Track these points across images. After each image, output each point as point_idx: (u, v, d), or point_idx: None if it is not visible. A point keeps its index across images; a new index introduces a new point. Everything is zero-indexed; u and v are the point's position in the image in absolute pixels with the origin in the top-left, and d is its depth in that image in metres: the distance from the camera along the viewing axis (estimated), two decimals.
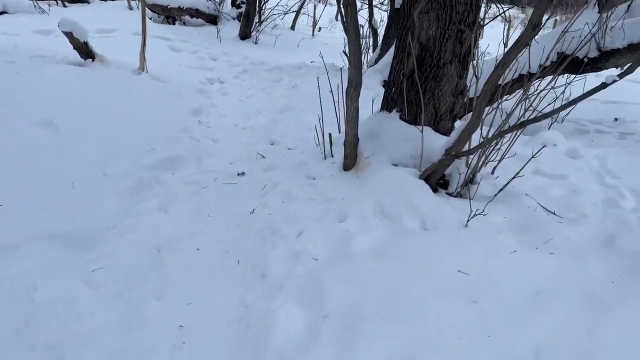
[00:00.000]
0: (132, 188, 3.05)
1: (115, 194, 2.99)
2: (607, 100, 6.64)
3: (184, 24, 12.55)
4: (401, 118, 3.25)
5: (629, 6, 5.12)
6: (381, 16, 7.03)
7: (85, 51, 5.24)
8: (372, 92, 5.63)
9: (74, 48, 5.20)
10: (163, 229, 2.74)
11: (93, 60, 5.26)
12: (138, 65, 5.57)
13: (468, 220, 2.61)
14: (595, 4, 5.20)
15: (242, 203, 3.15)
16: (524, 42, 2.49)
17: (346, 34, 2.95)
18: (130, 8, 8.71)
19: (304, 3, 13.82)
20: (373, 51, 6.85)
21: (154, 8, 11.89)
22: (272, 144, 4.44)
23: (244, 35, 11.10)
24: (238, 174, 3.72)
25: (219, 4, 13.76)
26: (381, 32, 7.39)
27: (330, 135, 3.57)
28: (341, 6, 2.96)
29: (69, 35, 5.07)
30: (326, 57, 10.38)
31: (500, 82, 4.36)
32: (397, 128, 3.18)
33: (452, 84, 3.13)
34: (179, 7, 12.09)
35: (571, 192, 3.51)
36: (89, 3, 9.10)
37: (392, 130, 3.19)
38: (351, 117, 3.09)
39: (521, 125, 2.55)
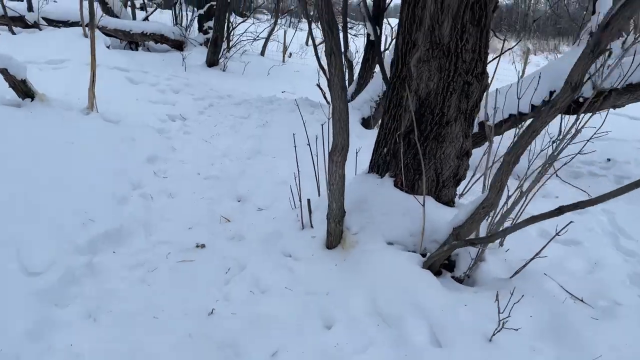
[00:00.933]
0: (51, 288, 2.30)
1: (28, 301, 2.22)
2: (595, 136, 6.21)
3: (148, 49, 11.81)
4: (396, 185, 2.63)
5: (623, 42, 4.69)
6: (356, 46, 6.50)
7: (23, 90, 4.47)
8: (351, 133, 5.04)
9: (10, 86, 4.43)
10: (86, 353, 2.00)
11: (32, 100, 4.49)
12: (87, 104, 4.83)
13: (493, 335, 1.98)
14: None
15: (200, 295, 2.45)
16: (560, 106, 1.92)
17: (329, 86, 2.32)
18: (86, 35, 7.93)
19: (273, 29, 13.27)
20: (348, 85, 6.26)
21: (116, 33, 11.11)
22: (239, 201, 3.75)
23: (212, 62, 10.43)
24: (197, 246, 3.02)
25: (186, 30, 13.10)
26: (357, 63, 6.82)
27: (309, 202, 2.92)
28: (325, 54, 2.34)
29: (3, 72, 4.30)
30: (298, 87, 9.69)
31: (490, 123, 3.82)
32: (391, 198, 2.56)
33: (456, 144, 2.53)
34: (142, 32, 11.35)
35: (592, 265, 2.95)
36: (40, 29, 8.28)
37: (386, 200, 2.56)
38: (336, 187, 2.45)
39: (559, 212, 1.96)
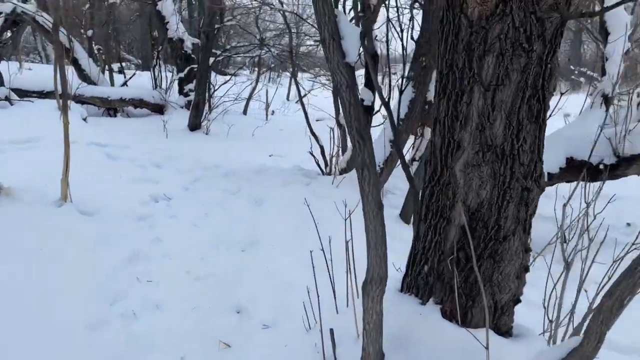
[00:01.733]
0: None
1: None
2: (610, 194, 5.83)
3: (127, 115, 11.31)
4: (444, 315, 2.09)
5: (638, 104, 4.36)
6: None
7: None
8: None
9: None
10: None
11: None
12: (60, 195, 4.24)
13: None
14: (602, 103, 4.41)
15: None
16: None
17: (364, 208, 1.81)
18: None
19: (255, 88, 12.95)
20: (342, 153, 5.80)
21: (93, 101, 10.62)
22: (238, 312, 3.15)
23: (194, 126, 9.96)
24: None
25: (166, 92, 12.69)
26: None
27: (332, 334, 2.33)
28: (360, 170, 1.84)
29: None
30: (285, 148, 9.19)
31: None
32: (442, 334, 2.00)
33: (516, 262, 2.02)
34: (121, 98, 10.87)
35: None
36: (11, 104, 7.73)
37: (437, 338, 2.01)
38: (373, 326, 1.89)
39: None
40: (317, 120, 14.33)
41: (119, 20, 13.98)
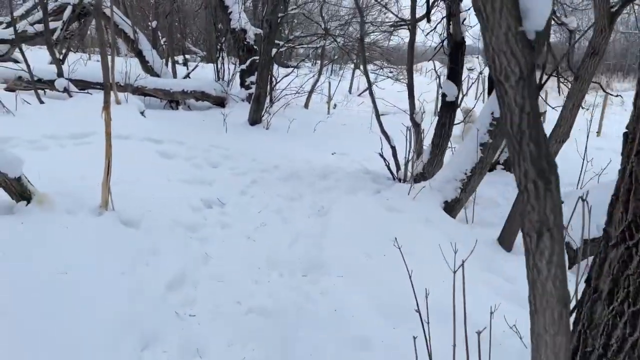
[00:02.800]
0: None
1: None
2: None
3: (189, 107, 10.91)
4: None
5: None
6: (422, 107, 5.15)
7: (17, 190, 3.34)
8: (438, 232, 3.66)
9: (1, 186, 3.32)
10: None
11: (28, 204, 3.36)
12: (100, 202, 3.67)
13: None
14: None
15: None
16: None
17: (534, 301, 0.98)
18: (118, 102, 6.99)
19: (317, 81, 12.20)
20: (417, 157, 4.92)
21: (155, 93, 10.27)
22: None
23: (254, 120, 9.36)
24: None
25: (228, 84, 12.21)
26: (427, 126, 5.48)
27: None
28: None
29: None
30: (348, 146, 8.33)
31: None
32: None
33: None
34: (183, 90, 10.47)
35: None
36: (70, 96, 7.40)
37: None
38: None
39: None
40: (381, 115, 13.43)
41: (183, 11, 13.64)
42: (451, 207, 4.26)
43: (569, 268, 3.50)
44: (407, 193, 4.34)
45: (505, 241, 3.44)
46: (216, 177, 5.24)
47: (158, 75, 10.97)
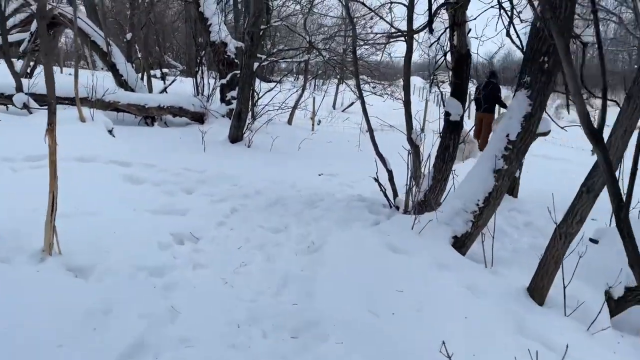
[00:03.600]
0: None
1: None
2: None
3: (166, 124, 10.19)
4: None
5: None
6: (419, 126, 4.59)
7: None
8: (454, 279, 3.03)
9: None
10: None
11: None
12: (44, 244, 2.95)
13: None
14: None
15: None
16: None
17: None
18: (83, 119, 6.25)
19: (301, 96, 11.61)
20: (416, 183, 4.32)
21: (129, 109, 9.53)
22: None
23: (235, 137, 8.68)
24: None
25: (207, 100, 11.54)
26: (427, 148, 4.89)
27: None
28: None
29: None
30: (336, 165, 7.65)
31: None
32: None
33: None
34: (159, 106, 9.74)
35: None
36: (31, 112, 6.64)
37: None
38: None
39: None
40: (366, 132, 12.85)
41: (161, 23, 12.93)
42: (461, 243, 3.65)
43: (611, 318, 2.91)
44: (410, 227, 3.71)
45: (537, 293, 2.83)
46: (190, 206, 4.55)
47: (133, 90, 10.24)
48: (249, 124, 8.94)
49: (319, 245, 3.74)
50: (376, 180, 4.53)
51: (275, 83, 10.76)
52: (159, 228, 3.95)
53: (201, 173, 5.47)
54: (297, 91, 12.00)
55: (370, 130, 4.62)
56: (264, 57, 9.44)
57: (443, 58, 4.17)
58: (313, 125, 11.70)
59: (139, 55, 15.07)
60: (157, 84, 12.16)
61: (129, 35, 10.57)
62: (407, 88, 4.57)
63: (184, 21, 15.30)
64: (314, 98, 11.89)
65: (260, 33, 8.20)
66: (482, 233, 3.95)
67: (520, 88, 3.50)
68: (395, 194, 4.57)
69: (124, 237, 3.60)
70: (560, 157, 10.92)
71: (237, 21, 13.55)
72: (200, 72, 11.89)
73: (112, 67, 10.08)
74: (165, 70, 14.30)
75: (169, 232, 3.93)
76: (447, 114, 4.15)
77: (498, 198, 3.60)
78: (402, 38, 4.48)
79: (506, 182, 3.57)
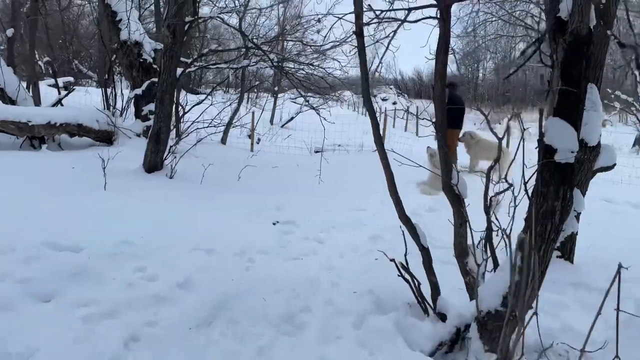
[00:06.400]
0: None
1: None
2: None
3: (60, 146, 7.39)
4: None
5: None
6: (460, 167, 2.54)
7: None
8: None
9: None
10: None
11: None
12: None
13: None
14: None
15: None
16: None
17: None
18: None
19: (237, 111, 9.23)
20: (467, 275, 2.15)
21: (5, 127, 6.70)
22: None
23: (153, 165, 6.17)
24: None
25: (121, 114, 8.87)
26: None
27: None
28: None
29: None
30: (296, 209, 4.51)
31: None
32: None
33: None
34: (49, 123, 6.97)
35: None
36: None
37: None
38: None
39: None
40: (316, 152, 10.69)
41: (50, 15, 9.95)
42: None
43: None
44: None
45: None
46: (39, 345, 2.09)
47: (13, 102, 7.35)
48: (171, 147, 6.45)
49: None
50: (404, 268, 2.34)
51: (206, 95, 8.30)
52: None
53: (78, 253, 2.93)
54: (230, 104, 9.64)
55: (390, 175, 2.45)
56: (189, 60, 6.98)
57: (533, 44, 2.12)
58: (252, 144, 9.35)
59: (41, 60, 11.94)
60: (52, 95, 9.19)
61: (9, 32, 7.65)
62: (441, 100, 2.46)
63: (91, 18, 12.33)
64: (253, 113, 9.54)
65: (186, 27, 5.79)
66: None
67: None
68: (436, 292, 2.42)
69: None
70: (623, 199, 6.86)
71: (158, 16, 10.82)
72: (111, 79, 9.16)
73: None
74: (68, 78, 11.25)
75: None
76: (547, 150, 2.07)
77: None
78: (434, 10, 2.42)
79: None
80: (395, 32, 2.54)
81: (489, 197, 2.36)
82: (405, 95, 28.31)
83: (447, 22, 2.36)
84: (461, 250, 2.47)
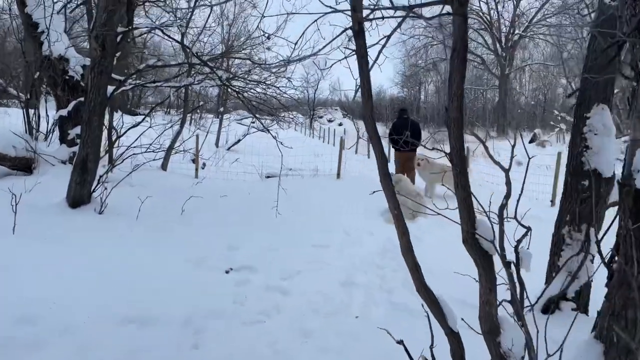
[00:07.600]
0: None
1: None
2: None
3: None
4: None
5: None
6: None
7: None
8: None
9: None
10: None
11: None
12: None
13: None
14: None
15: None
16: None
17: None
18: None
19: (179, 134, 8.30)
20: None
21: None
22: None
23: (78, 199, 5.14)
24: None
25: (46, 139, 7.70)
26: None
27: None
28: None
29: None
30: (249, 252, 3.47)
31: None
32: None
33: None
34: None
35: None
36: None
37: None
38: None
39: None
40: (267, 177, 9.86)
41: None
42: None
43: None
44: None
45: None
46: None
47: None
48: (101, 176, 5.45)
49: None
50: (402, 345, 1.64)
51: (144, 117, 7.33)
52: None
53: None
54: (172, 127, 8.69)
55: (401, 226, 1.76)
56: (123, 78, 6.03)
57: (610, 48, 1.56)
58: (197, 170, 8.41)
59: None
60: None
61: None
62: (458, 125, 1.84)
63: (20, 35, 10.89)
64: (197, 136, 8.63)
65: (118, 39, 4.90)
66: None
67: None
68: None
69: None
70: None
71: (91, 28, 9.64)
72: (35, 99, 7.95)
73: None
74: None
75: None
76: (631, 180, 1.48)
77: None
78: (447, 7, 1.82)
79: None
80: (393, 32, 1.90)
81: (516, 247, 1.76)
82: (350, 116, 28.28)
83: (465, 22, 1.75)
84: (491, 325, 1.82)
